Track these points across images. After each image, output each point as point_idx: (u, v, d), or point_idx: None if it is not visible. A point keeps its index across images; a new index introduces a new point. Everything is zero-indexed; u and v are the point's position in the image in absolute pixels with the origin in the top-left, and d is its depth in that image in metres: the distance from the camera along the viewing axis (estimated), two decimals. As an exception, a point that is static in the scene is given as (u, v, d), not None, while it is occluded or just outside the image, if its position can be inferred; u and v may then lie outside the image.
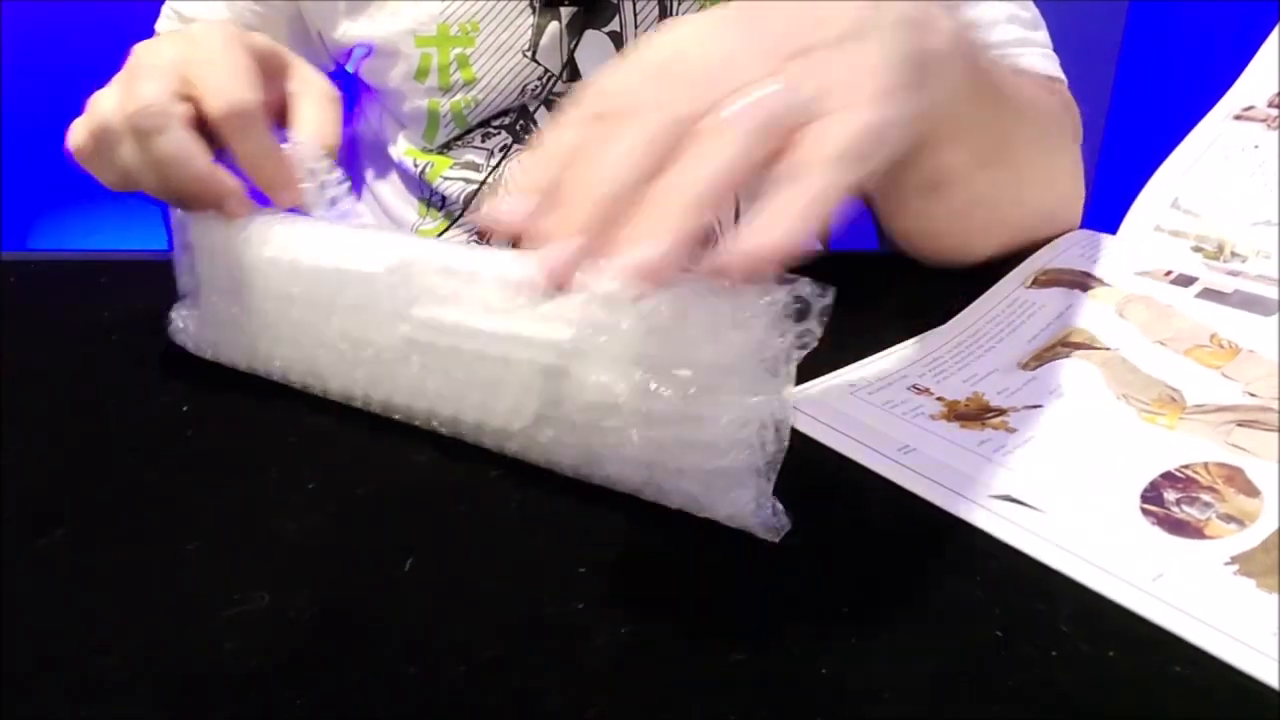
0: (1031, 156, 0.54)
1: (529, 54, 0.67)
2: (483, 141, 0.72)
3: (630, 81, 0.33)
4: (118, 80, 0.48)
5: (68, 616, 0.34)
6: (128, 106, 0.46)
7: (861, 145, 0.33)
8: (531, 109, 0.70)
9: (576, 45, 0.67)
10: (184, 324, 0.49)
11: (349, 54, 0.75)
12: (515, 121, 0.71)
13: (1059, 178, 0.58)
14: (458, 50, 0.68)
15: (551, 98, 0.69)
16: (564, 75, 0.68)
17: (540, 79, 0.68)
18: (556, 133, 0.33)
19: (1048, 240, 0.57)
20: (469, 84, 0.69)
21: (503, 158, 0.71)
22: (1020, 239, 0.57)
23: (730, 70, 0.33)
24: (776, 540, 0.37)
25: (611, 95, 0.33)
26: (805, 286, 0.34)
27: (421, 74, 0.69)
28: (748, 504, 0.36)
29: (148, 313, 0.53)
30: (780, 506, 0.37)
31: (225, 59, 0.47)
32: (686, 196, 0.31)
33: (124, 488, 0.40)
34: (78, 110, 0.50)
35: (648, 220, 0.31)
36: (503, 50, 0.68)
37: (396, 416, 0.44)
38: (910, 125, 0.36)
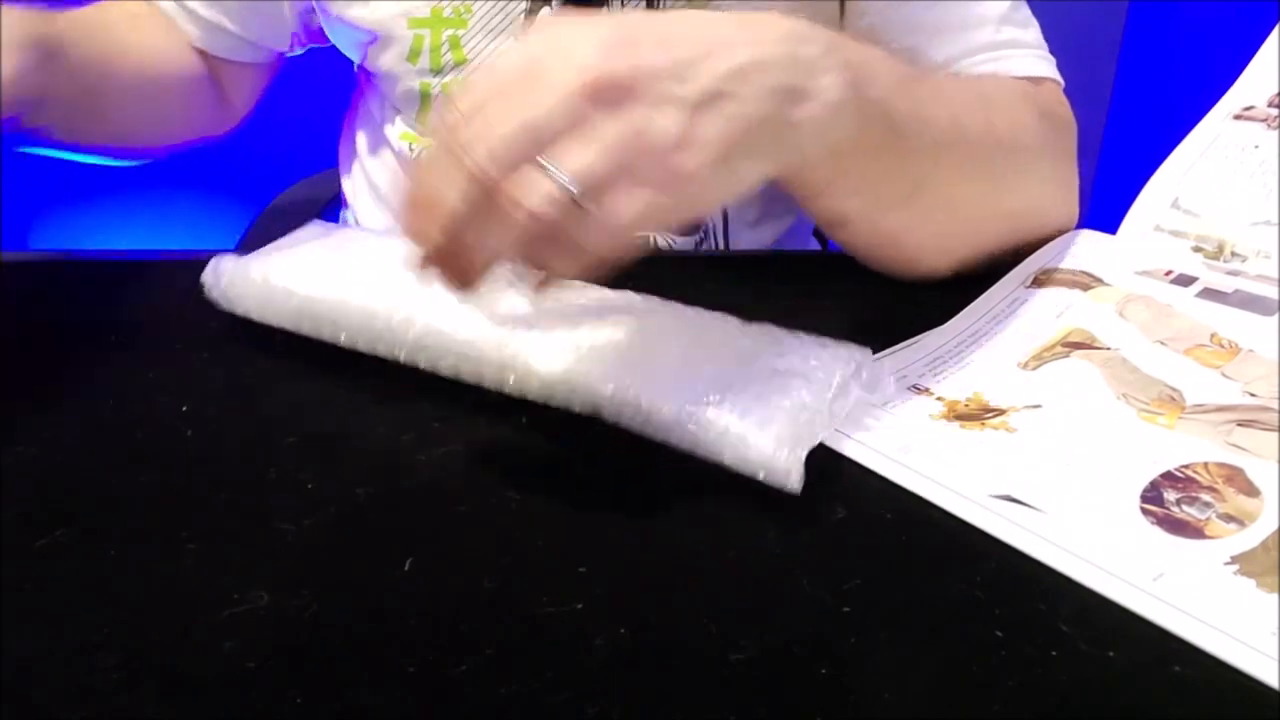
0: (971, 187, 0.54)
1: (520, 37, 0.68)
2: None
3: (473, 100, 0.37)
4: None
5: (68, 616, 0.34)
6: None
7: (633, 225, 0.37)
8: None
9: None
10: (227, 272, 0.50)
11: (317, 32, 0.75)
12: None
13: (1019, 197, 0.57)
14: (450, 32, 0.68)
15: None
16: None
17: None
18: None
19: (1034, 247, 0.56)
20: (460, 65, 0.69)
21: None
22: (989, 251, 0.57)
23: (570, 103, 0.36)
24: (794, 489, 0.38)
25: (454, 119, 0.37)
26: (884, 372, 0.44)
27: (414, 55, 0.69)
28: (780, 444, 0.38)
29: (148, 313, 0.53)
30: (802, 471, 0.38)
31: None
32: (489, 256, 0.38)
33: (124, 488, 0.40)
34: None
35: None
36: (495, 32, 0.68)
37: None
38: (729, 190, 0.40)
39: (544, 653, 0.32)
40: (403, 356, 0.46)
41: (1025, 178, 0.57)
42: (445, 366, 0.45)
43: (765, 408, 0.40)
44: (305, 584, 0.35)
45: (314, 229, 0.54)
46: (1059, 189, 0.59)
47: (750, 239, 0.77)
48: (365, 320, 0.46)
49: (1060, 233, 0.57)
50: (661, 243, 0.73)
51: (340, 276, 0.49)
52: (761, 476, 0.38)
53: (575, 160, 0.36)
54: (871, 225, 0.53)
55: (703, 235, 0.74)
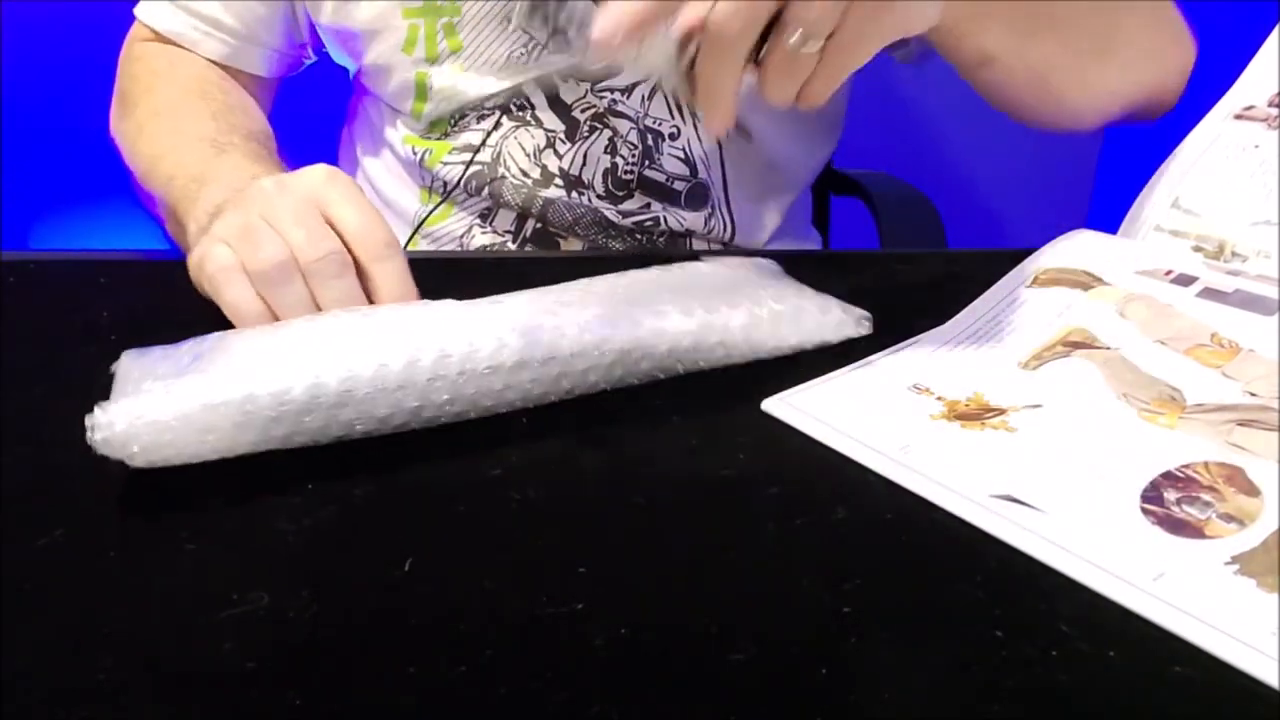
0: (1106, 18, 0.59)
1: (514, 21, 0.69)
2: (478, 122, 0.73)
3: None
4: (243, 216, 0.48)
5: (68, 616, 0.34)
6: (304, 251, 0.47)
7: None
8: (527, 91, 0.71)
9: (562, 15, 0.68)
10: (130, 415, 0.39)
11: (334, 40, 0.76)
12: (508, 99, 0.72)
13: (1148, 31, 0.62)
14: (444, 19, 0.69)
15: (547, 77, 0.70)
16: (549, 45, 0.69)
17: (525, 47, 0.69)
18: None
19: (1158, 88, 0.62)
20: (455, 53, 0.69)
21: (497, 131, 0.72)
22: (1128, 93, 0.62)
23: None
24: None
25: None
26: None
27: (409, 45, 0.70)
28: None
29: (148, 313, 0.53)
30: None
31: (358, 198, 0.49)
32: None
33: (123, 488, 0.40)
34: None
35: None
36: (489, 17, 0.69)
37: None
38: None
39: (544, 653, 0.32)
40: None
41: (1151, 14, 0.62)
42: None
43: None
44: (305, 584, 0.35)
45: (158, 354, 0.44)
46: (1177, 27, 0.64)
47: (752, 213, 0.77)
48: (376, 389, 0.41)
49: (1183, 73, 0.63)
50: (674, 224, 0.74)
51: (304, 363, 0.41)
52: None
53: None
54: (1016, 61, 0.57)
55: (711, 207, 0.75)
